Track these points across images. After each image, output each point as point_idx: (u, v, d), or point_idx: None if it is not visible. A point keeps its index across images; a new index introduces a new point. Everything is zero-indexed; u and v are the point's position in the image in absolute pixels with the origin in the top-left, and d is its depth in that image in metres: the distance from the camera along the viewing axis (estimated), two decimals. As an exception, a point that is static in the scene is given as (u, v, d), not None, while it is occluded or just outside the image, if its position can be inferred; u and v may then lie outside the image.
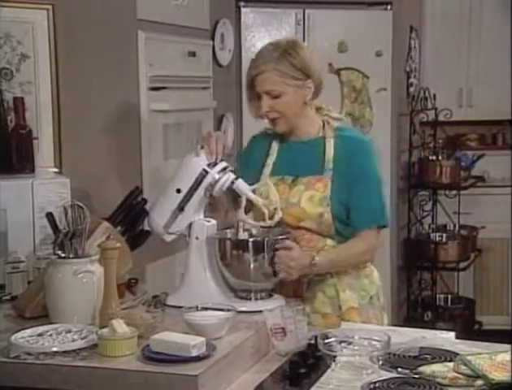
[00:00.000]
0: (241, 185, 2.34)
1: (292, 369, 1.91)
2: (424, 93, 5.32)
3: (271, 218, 2.36)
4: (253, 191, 2.37)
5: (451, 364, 1.88)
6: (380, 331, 2.07)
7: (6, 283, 2.42)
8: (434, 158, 5.26)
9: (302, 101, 2.44)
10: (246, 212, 2.39)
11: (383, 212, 2.47)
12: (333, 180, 2.41)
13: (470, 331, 5.12)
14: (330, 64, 4.62)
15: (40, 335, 1.97)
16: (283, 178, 2.47)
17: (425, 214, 5.41)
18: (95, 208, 2.53)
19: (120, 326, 1.89)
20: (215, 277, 2.29)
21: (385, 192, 2.52)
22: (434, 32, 5.69)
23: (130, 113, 3.25)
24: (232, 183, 2.33)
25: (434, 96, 5.31)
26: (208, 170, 2.31)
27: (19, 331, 1.99)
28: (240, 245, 2.26)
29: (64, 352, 1.88)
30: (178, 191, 2.32)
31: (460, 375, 1.82)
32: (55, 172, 2.93)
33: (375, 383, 1.82)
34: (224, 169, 2.33)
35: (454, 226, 5.44)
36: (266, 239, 2.27)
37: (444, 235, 5.34)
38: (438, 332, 2.24)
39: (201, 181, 2.31)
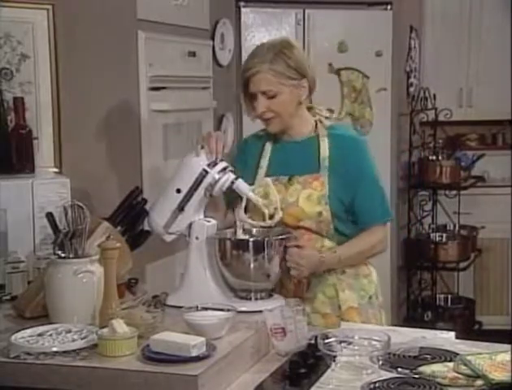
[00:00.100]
0: (241, 185, 2.34)
1: (292, 369, 1.90)
2: (424, 93, 5.31)
3: (271, 218, 2.36)
4: (253, 191, 2.37)
5: (451, 364, 1.88)
6: (380, 331, 2.07)
7: (6, 283, 2.42)
8: (434, 158, 5.26)
9: (297, 100, 2.43)
10: (246, 212, 2.39)
11: (386, 207, 2.50)
12: (330, 179, 2.41)
13: (470, 331, 5.12)
14: (330, 64, 4.62)
15: (40, 335, 1.97)
16: (278, 178, 2.46)
17: (425, 214, 5.40)
18: (95, 208, 2.53)
19: (120, 326, 1.88)
20: (215, 277, 2.29)
21: (383, 185, 2.53)
22: (434, 32, 5.68)
23: (130, 113, 3.24)
24: (232, 183, 2.33)
25: (434, 96, 5.31)
26: (208, 170, 2.31)
27: (19, 331, 1.99)
28: (240, 245, 2.26)
29: (64, 352, 1.88)
30: (178, 191, 2.32)
31: (460, 375, 1.82)
32: (55, 172, 2.93)
33: (375, 383, 1.82)
34: (224, 169, 2.33)
35: (454, 226, 5.44)
36: (266, 239, 2.27)
37: (444, 235, 5.34)
38: (438, 332, 2.24)
39: (201, 181, 2.31)
